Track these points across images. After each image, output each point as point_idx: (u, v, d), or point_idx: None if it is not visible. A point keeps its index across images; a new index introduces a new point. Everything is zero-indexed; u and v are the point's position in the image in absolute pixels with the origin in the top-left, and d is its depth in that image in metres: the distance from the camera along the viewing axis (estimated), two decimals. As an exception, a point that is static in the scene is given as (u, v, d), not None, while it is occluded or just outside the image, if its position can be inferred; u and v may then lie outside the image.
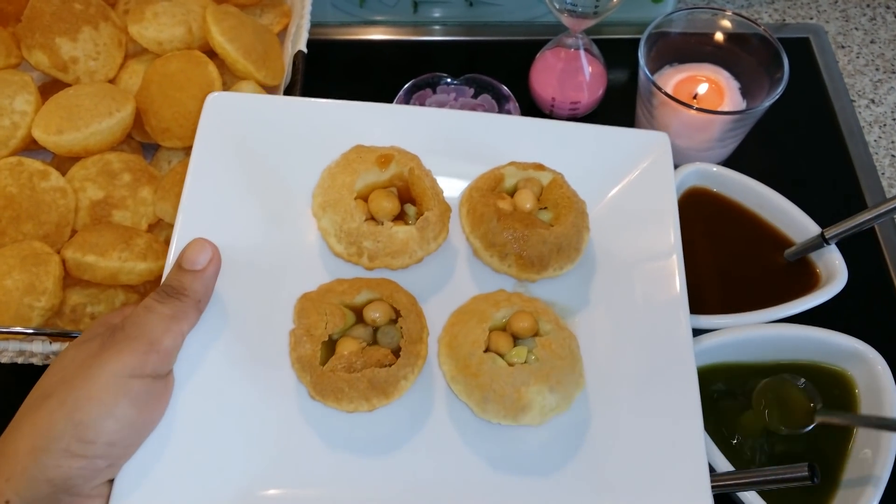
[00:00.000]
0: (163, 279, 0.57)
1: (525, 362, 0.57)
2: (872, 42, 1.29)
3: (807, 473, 0.56)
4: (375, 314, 0.58)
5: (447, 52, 1.04)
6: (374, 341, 0.58)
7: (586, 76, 0.92)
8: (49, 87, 0.84)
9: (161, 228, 0.79)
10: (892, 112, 1.23)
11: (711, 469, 0.65)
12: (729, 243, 0.80)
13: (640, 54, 0.84)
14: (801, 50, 1.03)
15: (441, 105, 0.92)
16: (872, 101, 1.24)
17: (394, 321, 0.59)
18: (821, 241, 0.74)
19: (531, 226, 0.61)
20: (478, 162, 0.67)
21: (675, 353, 0.61)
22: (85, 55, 0.81)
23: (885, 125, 1.23)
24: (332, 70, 1.00)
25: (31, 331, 0.66)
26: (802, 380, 0.70)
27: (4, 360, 0.74)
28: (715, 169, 0.81)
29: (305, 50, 0.84)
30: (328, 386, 0.55)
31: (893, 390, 0.68)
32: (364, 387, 0.55)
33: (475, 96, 0.93)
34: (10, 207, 0.73)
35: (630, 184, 0.68)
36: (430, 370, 0.60)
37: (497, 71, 0.94)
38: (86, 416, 0.49)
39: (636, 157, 0.69)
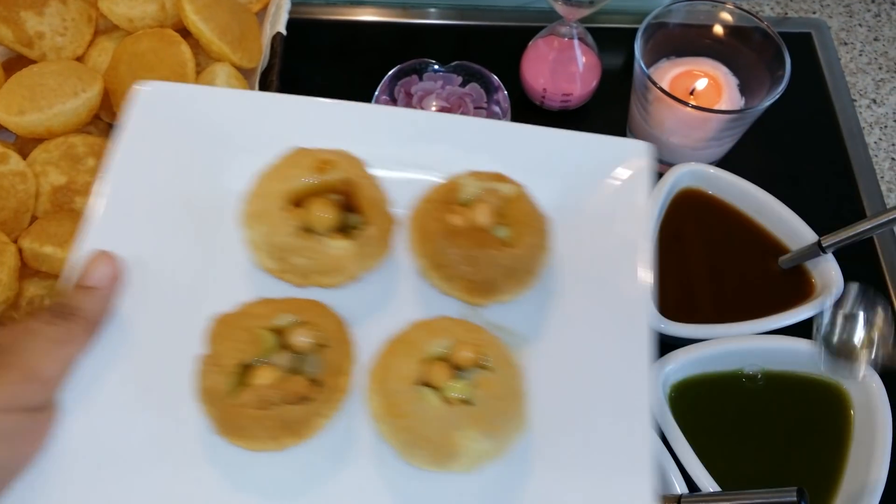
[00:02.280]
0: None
1: (463, 398, 0.51)
2: (876, 39, 1.26)
3: (794, 499, 0.53)
4: (300, 339, 0.52)
5: (437, 37, 1.00)
6: (295, 370, 0.52)
7: (579, 67, 0.88)
8: (13, 64, 0.79)
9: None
10: (894, 113, 1.20)
11: (697, 489, 0.62)
12: (722, 248, 0.77)
13: (636, 46, 0.80)
14: (803, 46, 1.00)
15: (428, 93, 0.88)
16: (874, 101, 1.21)
17: (321, 347, 0.53)
18: (817, 250, 0.71)
19: (482, 245, 0.55)
20: (435, 169, 0.60)
21: (630, 397, 0.54)
22: (52, 30, 0.77)
23: (886, 126, 1.20)
24: (314, 52, 0.96)
25: (-18, 325, 0.63)
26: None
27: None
28: (709, 170, 0.77)
29: (284, 32, 0.80)
30: (235, 423, 0.49)
31: (886, 409, 0.66)
32: (274, 425, 0.49)
33: (463, 85, 0.89)
34: (-35, 192, 0.69)
35: (602, 199, 0.61)
36: (357, 405, 0.54)
37: (488, 58, 0.91)
38: None
39: (611, 170, 0.62)
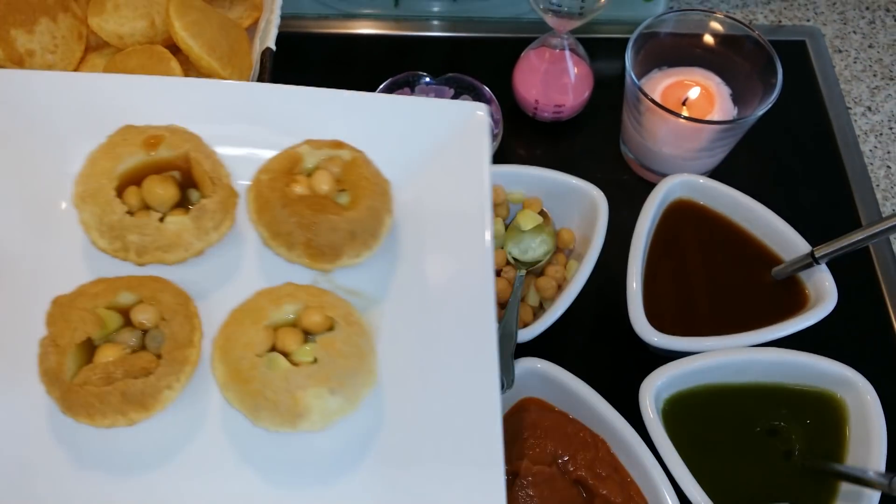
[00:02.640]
0: None
1: (311, 361, 0.52)
2: (871, 47, 1.25)
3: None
4: (143, 316, 0.52)
5: (429, 49, 1.00)
6: (143, 346, 0.53)
7: (571, 78, 0.88)
8: (5, 81, 0.80)
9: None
10: (889, 121, 1.20)
11: (689, 503, 0.62)
12: (715, 259, 0.76)
13: (626, 57, 0.80)
14: (797, 53, 0.99)
15: (419, 106, 0.88)
16: (869, 108, 1.20)
17: (165, 320, 0.53)
18: (810, 261, 0.71)
19: (321, 211, 0.56)
20: (277, 140, 0.61)
21: (478, 350, 0.56)
22: (42, 48, 0.77)
23: (881, 134, 1.20)
24: (306, 65, 0.96)
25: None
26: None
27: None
28: (701, 181, 0.77)
29: (274, 47, 0.80)
30: (77, 401, 0.49)
31: (881, 421, 0.65)
32: (117, 400, 0.49)
33: (455, 97, 0.89)
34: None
35: (441, 161, 0.62)
36: (205, 377, 0.55)
37: (480, 70, 0.90)
38: None
39: (449, 132, 0.62)
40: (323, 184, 0.58)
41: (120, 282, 0.54)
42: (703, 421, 0.68)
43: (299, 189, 0.57)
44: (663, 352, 0.70)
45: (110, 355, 0.51)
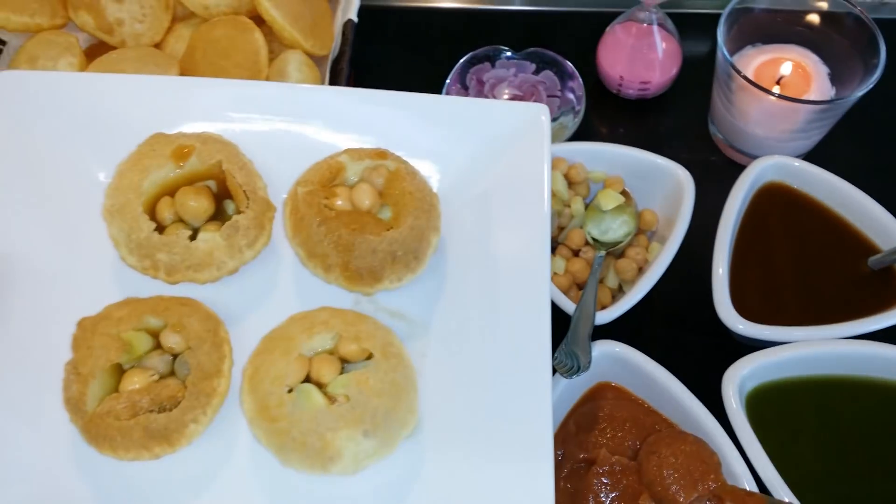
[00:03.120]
0: None
1: (346, 394, 0.48)
2: (983, 25, 1.17)
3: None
4: (172, 340, 0.49)
5: (510, 24, 0.97)
6: (172, 371, 0.49)
7: (659, 54, 0.85)
8: (94, 50, 0.81)
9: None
10: None
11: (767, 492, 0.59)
12: (807, 246, 0.73)
13: (718, 32, 0.76)
14: (901, 32, 0.94)
15: (500, 80, 0.86)
16: (978, 91, 1.13)
17: (191, 348, 0.50)
18: (911, 251, 0.67)
19: (359, 231, 0.51)
20: (319, 147, 0.56)
21: (530, 388, 0.50)
22: (131, 17, 0.78)
23: None
24: (386, 39, 0.95)
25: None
26: None
27: None
28: (797, 164, 0.73)
29: (356, 19, 0.79)
30: (99, 433, 0.47)
31: None
32: (139, 435, 0.46)
33: (537, 72, 0.87)
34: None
35: (498, 168, 0.56)
36: (234, 408, 0.50)
37: (562, 45, 0.88)
38: None
39: (505, 138, 0.57)
40: (364, 198, 0.53)
41: (146, 305, 0.50)
42: (788, 414, 0.65)
43: (339, 202, 0.53)
44: (748, 341, 0.67)
45: (137, 382, 0.48)
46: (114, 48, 0.79)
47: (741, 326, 0.66)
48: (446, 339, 0.54)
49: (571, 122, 0.84)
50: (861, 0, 0.88)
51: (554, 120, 0.85)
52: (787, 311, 0.70)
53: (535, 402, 0.50)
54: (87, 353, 0.48)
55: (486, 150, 0.57)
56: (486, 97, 0.85)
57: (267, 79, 0.76)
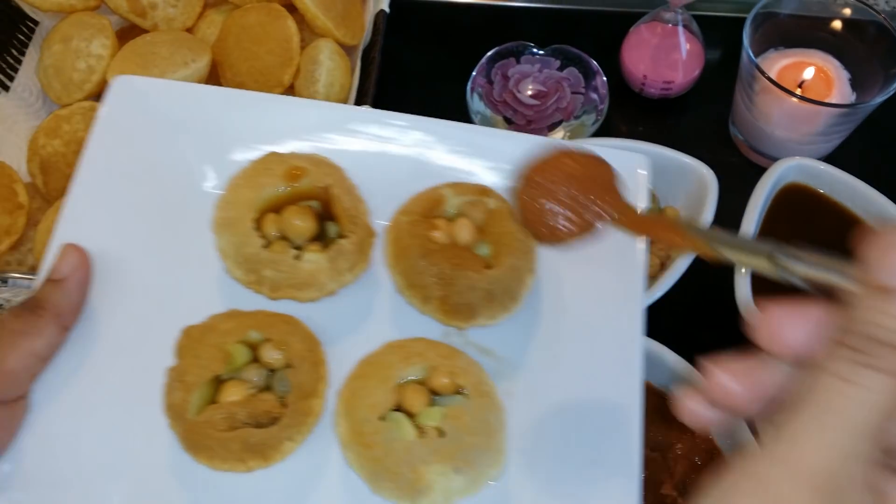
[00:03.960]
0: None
1: (436, 426, 0.48)
2: None
3: None
4: (272, 355, 0.50)
5: (533, 21, 0.98)
6: (269, 386, 0.50)
7: (682, 54, 0.86)
8: (126, 32, 0.82)
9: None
10: None
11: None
12: (828, 247, 0.74)
13: (744, 34, 0.78)
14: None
15: (525, 76, 0.87)
16: None
17: (291, 366, 0.50)
18: (931, 254, 0.68)
19: (460, 266, 0.51)
20: (423, 178, 0.56)
21: (618, 434, 0.50)
22: (164, 1, 0.79)
23: None
24: (411, 32, 0.96)
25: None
26: None
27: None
28: (821, 166, 0.74)
29: (388, 10, 0.80)
30: (199, 442, 0.47)
31: None
32: (238, 448, 0.47)
33: (561, 69, 0.88)
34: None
35: None
36: (325, 430, 0.51)
37: (585, 44, 0.89)
38: None
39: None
40: (464, 233, 0.53)
41: (251, 319, 0.51)
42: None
43: (435, 235, 0.53)
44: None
45: (235, 394, 0.48)
46: (144, 31, 0.80)
47: (761, 324, 0.67)
48: (535, 380, 0.54)
49: (593, 121, 0.85)
50: (882, 8, 0.90)
51: (576, 118, 0.86)
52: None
53: (623, 450, 0.50)
54: (192, 362, 0.48)
55: None
56: (511, 92, 0.86)
57: (298, 66, 0.77)
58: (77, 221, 0.52)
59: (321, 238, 0.53)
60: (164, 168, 0.56)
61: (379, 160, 0.58)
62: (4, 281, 0.63)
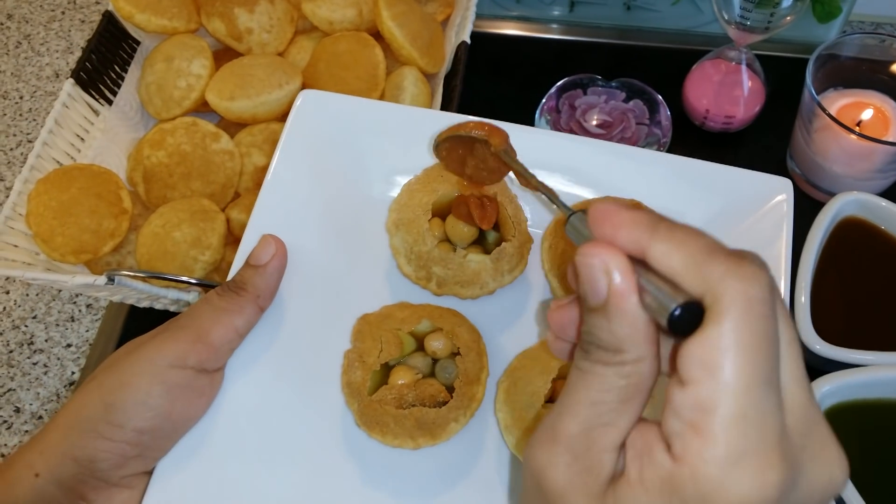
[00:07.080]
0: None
1: None
2: None
3: None
4: (437, 345, 0.54)
5: (598, 55, 1.03)
6: (431, 373, 0.55)
7: (744, 91, 0.90)
8: (220, 56, 0.88)
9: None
10: None
11: (848, 508, 0.63)
12: (886, 278, 0.77)
13: (807, 73, 0.81)
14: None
15: (591, 106, 0.92)
16: None
17: (455, 354, 0.55)
18: None
19: None
20: (574, 192, 0.61)
21: None
22: (259, 27, 0.85)
23: None
24: (480, 64, 1.01)
25: (194, 281, 0.69)
26: None
27: (159, 306, 0.78)
28: (883, 203, 0.77)
29: (469, 41, 0.85)
30: (374, 417, 0.52)
31: None
32: (411, 425, 0.52)
33: (626, 101, 0.92)
34: (183, 164, 0.77)
35: (739, 235, 0.59)
36: (484, 415, 0.56)
37: (647, 77, 0.94)
38: (117, 399, 0.48)
39: (751, 206, 0.59)
40: None
41: (424, 310, 0.56)
42: (863, 435, 0.69)
43: None
44: (826, 363, 0.71)
45: (404, 378, 0.53)
46: (238, 54, 0.86)
47: (818, 346, 0.70)
48: None
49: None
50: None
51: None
52: (864, 336, 0.74)
53: None
54: (373, 346, 0.53)
55: (724, 216, 0.60)
56: (577, 121, 0.91)
57: (383, 91, 0.82)
58: (268, 216, 0.58)
59: (479, 243, 0.59)
60: (343, 173, 0.62)
61: (537, 173, 0.61)
62: (112, 279, 0.68)
